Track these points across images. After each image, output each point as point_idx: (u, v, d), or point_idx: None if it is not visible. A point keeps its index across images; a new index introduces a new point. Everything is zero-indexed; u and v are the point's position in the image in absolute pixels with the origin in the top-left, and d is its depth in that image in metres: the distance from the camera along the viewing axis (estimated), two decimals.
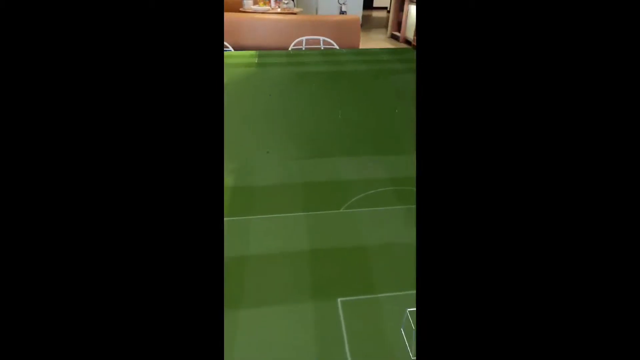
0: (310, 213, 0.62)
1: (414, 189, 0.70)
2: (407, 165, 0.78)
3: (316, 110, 1.06)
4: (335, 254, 0.54)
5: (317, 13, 5.03)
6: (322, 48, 1.97)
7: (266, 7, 3.90)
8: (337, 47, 2.00)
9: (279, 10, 3.86)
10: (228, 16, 2.95)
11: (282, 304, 0.45)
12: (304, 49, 1.99)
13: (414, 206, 0.64)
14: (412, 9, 4.50)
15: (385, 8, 7.01)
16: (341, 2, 5.02)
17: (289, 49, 1.98)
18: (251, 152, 0.82)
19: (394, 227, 0.60)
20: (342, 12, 4.99)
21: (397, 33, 4.96)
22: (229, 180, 0.72)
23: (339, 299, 0.46)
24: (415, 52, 1.77)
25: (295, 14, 3.72)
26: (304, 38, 2.02)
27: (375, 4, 7.61)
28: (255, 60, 1.56)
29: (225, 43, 1.84)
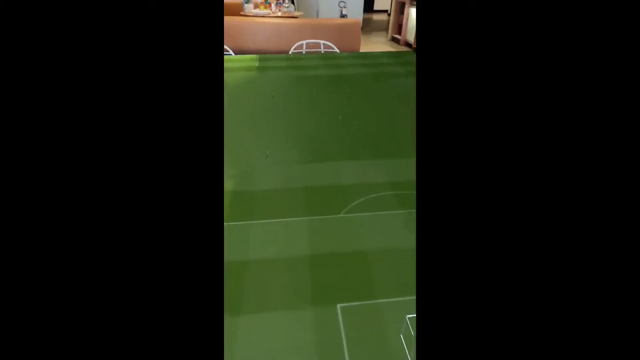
0: (310, 218, 0.62)
1: (414, 192, 0.70)
2: (407, 169, 0.78)
3: (316, 114, 1.06)
4: (335, 259, 0.53)
5: (317, 16, 5.05)
6: (323, 52, 1.97)
7: (267, 11, 3.92)
8: (338, 51, 2.01)
9: (279, 13, 3.88)
10: (228, 20, 2.96)
11: (282, 310, 0.45)
12: (304, 52, 1.99)
13: (415, 210, 0.64)
14: (412, 12, 4.52)
15: (385, 11, 7.04)
16: (342, 5, 5.04)
17: (289, 52, 1.99)
18: (251, 157, 0.83)
19: (395, 232, 0.59)
20: (342, 16, 5.01)
21: (397, 36, 4.98)
22: (228, 185, 0.72)
23: (338, 305, 0.46)
24: (415, 55, 1.77)
25: (295, 17, 3.74)
26: (304, 42, 2.03)
27: (375, 7, 7.64)
28: (256, 64, 1.56)
29: (225, 47, 1.85)
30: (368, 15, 7.07)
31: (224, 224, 0.60)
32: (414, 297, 0.47)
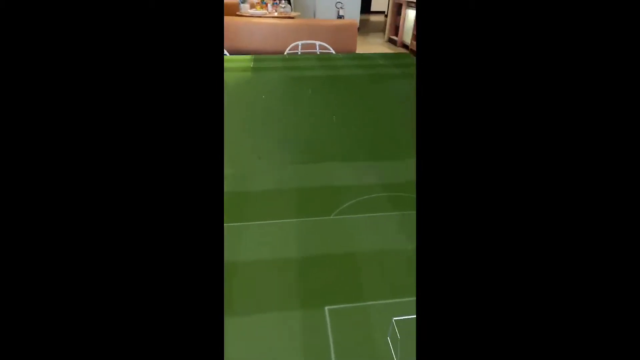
0: (302, 219, 0.62)
1: (407, 195, 0.70)
2: (401, 171, 0.78)
3: (311, 115, 1.06)
4: (325, 261, 0.53)
5: (315, 17, 5.05)
6: (318, 52, 1.97)
7: (263, 11, 3.91)
8: (333, 52, 2.01)
9: (275, 14, 3.87)
10: (225, 20, 2.96)
11: (271, 312, 0.45)
12: (299, 53, 1.99)
13: (407, 212, 0.64)
14: (409, 13, 4.53)
15: (382, 12, 7.06)
16: (339, 6, 5.05)
17: (285, 53, 1.99)
18: (245, 157, 0.82)
19: (386, 234, 0.59)
20: (340, 16, 5.02)
21: (394, 37, 4.99)
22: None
23: (326, 307, 0.46)
24: (411, 57, 1.77)
25: (292, 17, 3.74)
26: (299, 42, 2.02)
27: (372, 8, 7.66)
28: (251, 64, 1.56)
29: None
30: (365, 16, 7.09)
31: None
32: (402, 299, 0.47)
